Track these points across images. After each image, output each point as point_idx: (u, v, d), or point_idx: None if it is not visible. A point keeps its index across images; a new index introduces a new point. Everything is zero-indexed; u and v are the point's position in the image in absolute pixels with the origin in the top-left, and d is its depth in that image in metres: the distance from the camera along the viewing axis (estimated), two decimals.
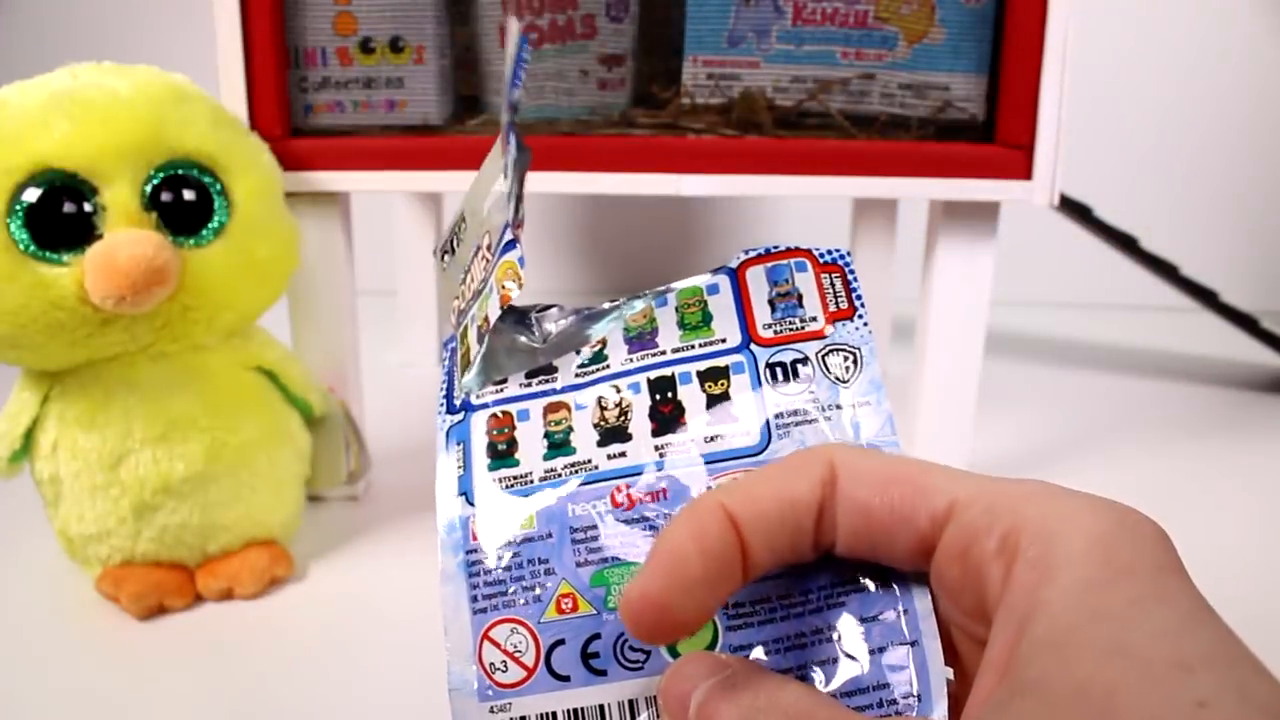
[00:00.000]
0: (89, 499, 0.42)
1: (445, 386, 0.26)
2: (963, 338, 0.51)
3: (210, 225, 0.41)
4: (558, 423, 0.24)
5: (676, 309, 0.26)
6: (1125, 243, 0.67)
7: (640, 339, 0.25)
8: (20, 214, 0.38)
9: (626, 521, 0.23)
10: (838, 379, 0.24)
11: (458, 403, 0.25)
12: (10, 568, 0.47)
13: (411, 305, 0.74)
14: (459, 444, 0.24)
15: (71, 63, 0.42)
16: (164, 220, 0.40)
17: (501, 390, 0.25)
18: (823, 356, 0.25)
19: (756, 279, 0.26)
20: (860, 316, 0.25)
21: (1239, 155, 0.90)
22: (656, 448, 0.24)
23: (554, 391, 0.25)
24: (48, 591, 0.45)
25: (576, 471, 0.24)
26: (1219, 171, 0.90)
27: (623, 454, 0.24)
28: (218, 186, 0.42)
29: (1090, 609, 0.17)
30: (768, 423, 0.24)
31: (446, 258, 0.30)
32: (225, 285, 0.41)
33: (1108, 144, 0.89)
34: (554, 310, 0.27)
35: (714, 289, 0.26)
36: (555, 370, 0.25)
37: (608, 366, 0.25)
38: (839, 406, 0.24)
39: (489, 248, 0.27)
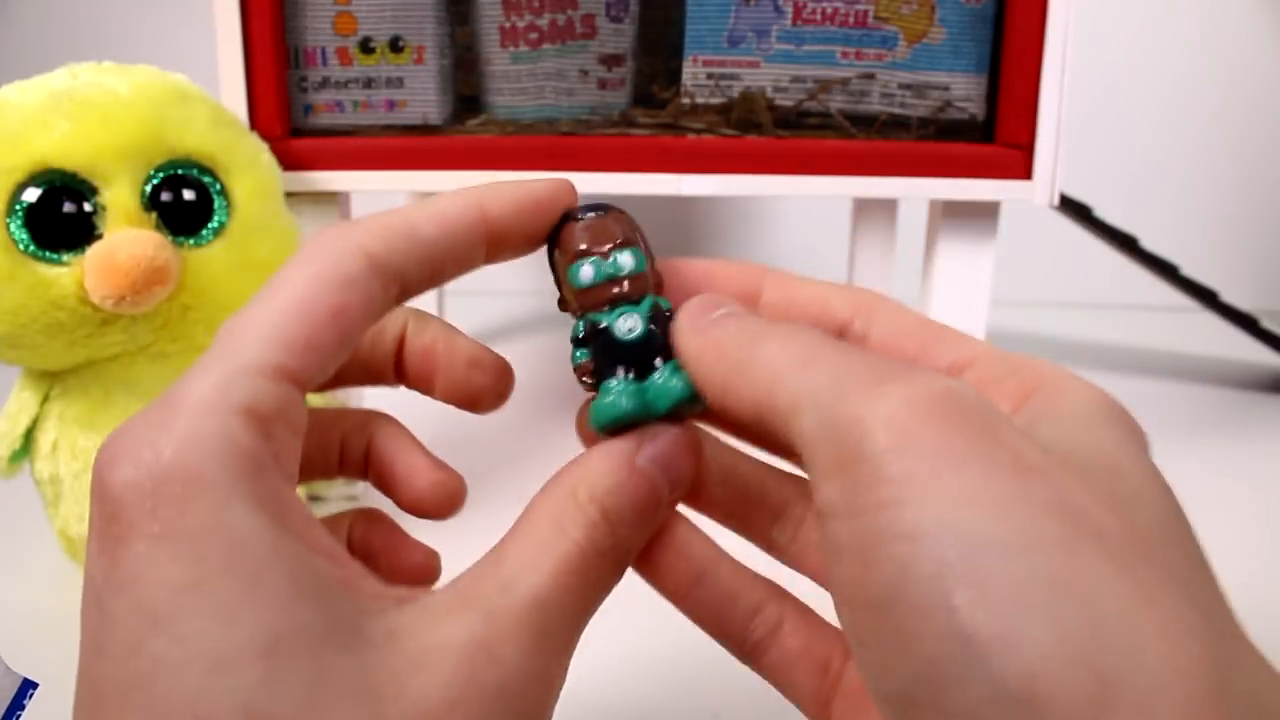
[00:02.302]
0: (89, 499, 0.42)
1: None
2: None
3: (210, 225, 0.41)
4: None
5: None
6: (1125, 243, 0.67)
7: None
8: (20, 214, 0.38)
9: None
10: None
11: None
12: (10, 568, 0.47)
13: (411, 305, 0.74)
14: None
15: (71, 63, 0.42)
16: (164, 220, 0.40)
17: None
18: None
19: None
20: None
21: (1239, 155, 0.90)
22: None
23: None
24: (48, 591, 0.45)
25: None
26: (1219, 171, 0.90)
27: None
28: (218, 186, 0.42)
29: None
30: None
31: None
32: (225, 285, 0.41)
33: (1108, 144, 0.89)
34: None
35: None
36: None
37: None
38: None
39: None
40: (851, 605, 0.18)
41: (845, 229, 0.78)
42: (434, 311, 0.78)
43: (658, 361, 0.24)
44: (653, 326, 0.24)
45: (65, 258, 0.38)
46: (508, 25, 0.49)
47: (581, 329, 0.25)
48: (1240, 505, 0.55)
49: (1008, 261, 0.65)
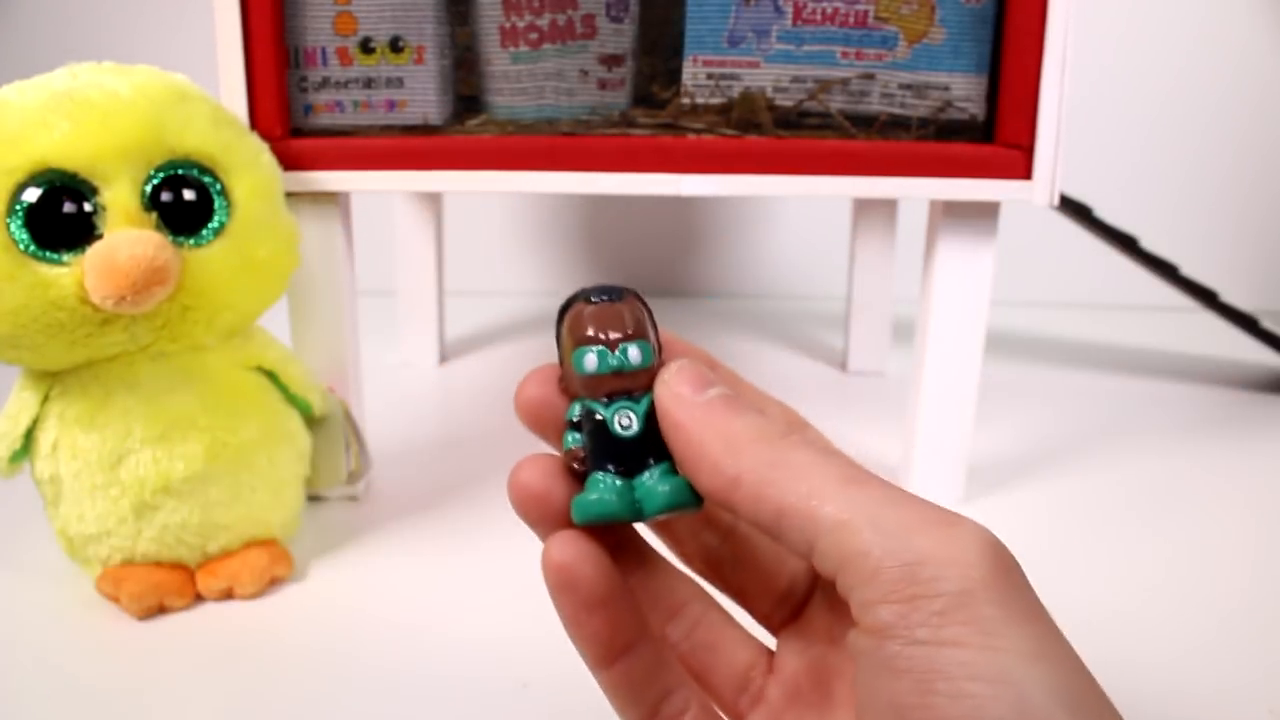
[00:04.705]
0: (89, 499, 0.42)
1: None
2: (963, 338, 0.51)
3: (210, 225, 0.41)
4: None
5: None
6: (1125, 243, 0.67)
7: None
8: (20, 214, 0.38)
9: None
10: None
11: None
12: (10, 568, 0.47)
13: (411, 305, 0.74)
14: None
15: (71, 63, 0.42)
16: (164, 220, 0.40)
17: None
18: None
19: None
20: None
21: (1239, 155, 0.90)
22: None
23: None
24: (48, 591, 0.45)
25: None
26: (1219, 171, 0.90)
27: None
28: (218, 186, 0.42)
29: None
30: None
31: None
32: (225, 285, 0.41)
33: (1108, 144, 0.89)
34: None
35: None
36: None
37: None
38: None
39: None
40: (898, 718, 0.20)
41: (845, 229, 0.78)
42: (434, 311, 0.78)
43: (651, 460, 0.23)
44: (649, 425, 0.23)
45: (65, 258, 0.38)
46: (508, 25, 0.49)
47: (577, 414, 0.24)
48: (1240, 505, 0.55)
49: (1008, 261, 0.65)
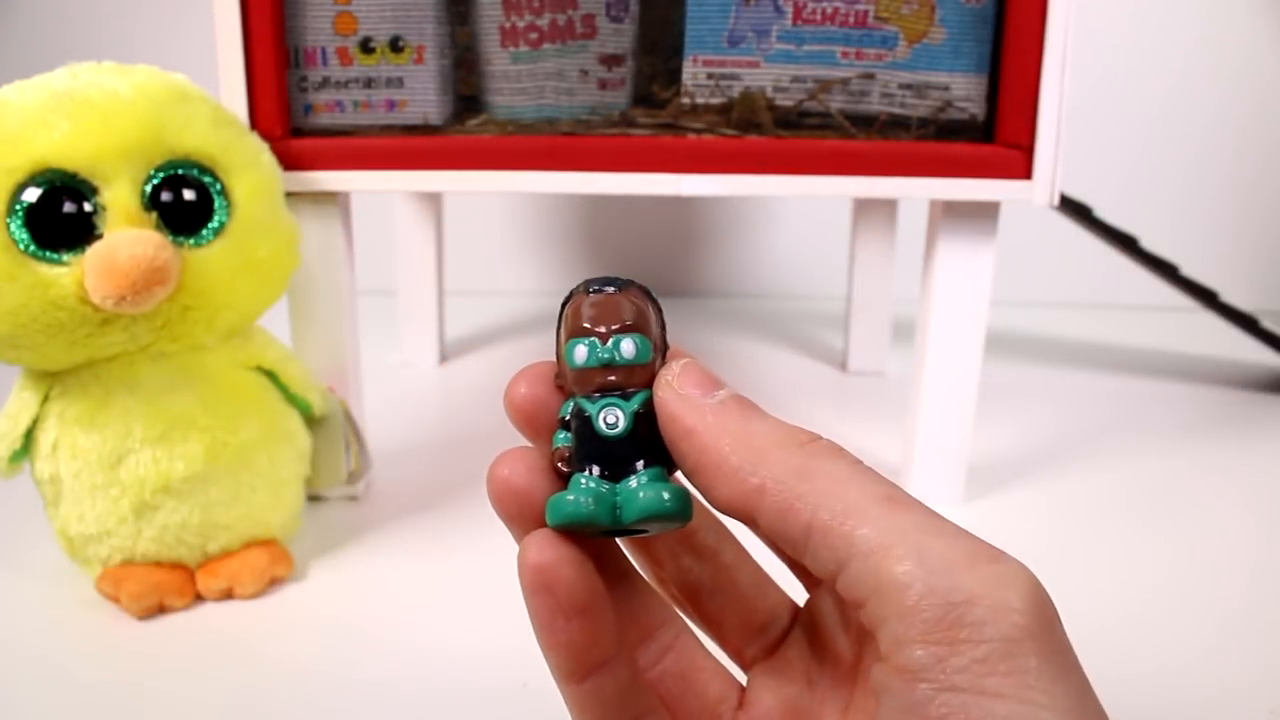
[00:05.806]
0: (89, 499, 0.42)
1: None
2: (963, 338, 0.51)
3: (210, 225, 0.41)
4: None
5: None
6: (1125, 243, 0.67)
7: None
8: (20, 214, 0.38)
9: None
10: None
11: None
12: (10, 568, 0.47)
13: (411, 305, 0.74)
14: None
15: (71, 63, 0.42)
16: (164, 220, 0.40)
17: None
18: None
19: None
20: None
21: (1239, 155, 0.90)
22: None
23: None
24: (48, 591, 0.45)
25: None
26: (1219, 171, 0.90)
27: None
28: (218, 186, 0.42)
29: None
30: None
31: None
32: (225, 285, 0.41)
33: (1108, 144, 0.89)
34: None
35: None
36: None
37: None
38: None
39: None
40: None
41: (845, 229, 0.78)
42: (434, 311, 0.78)
43: (639, 464, 0.22)
44: (639, 425, 0.22)
45: (65, 258, 0.38)
46: (508, 25, 0.49)
47: (569, 411, 0.22)
48: (1240, 505, 0.55)
49: (1008, 261, 0.65)
